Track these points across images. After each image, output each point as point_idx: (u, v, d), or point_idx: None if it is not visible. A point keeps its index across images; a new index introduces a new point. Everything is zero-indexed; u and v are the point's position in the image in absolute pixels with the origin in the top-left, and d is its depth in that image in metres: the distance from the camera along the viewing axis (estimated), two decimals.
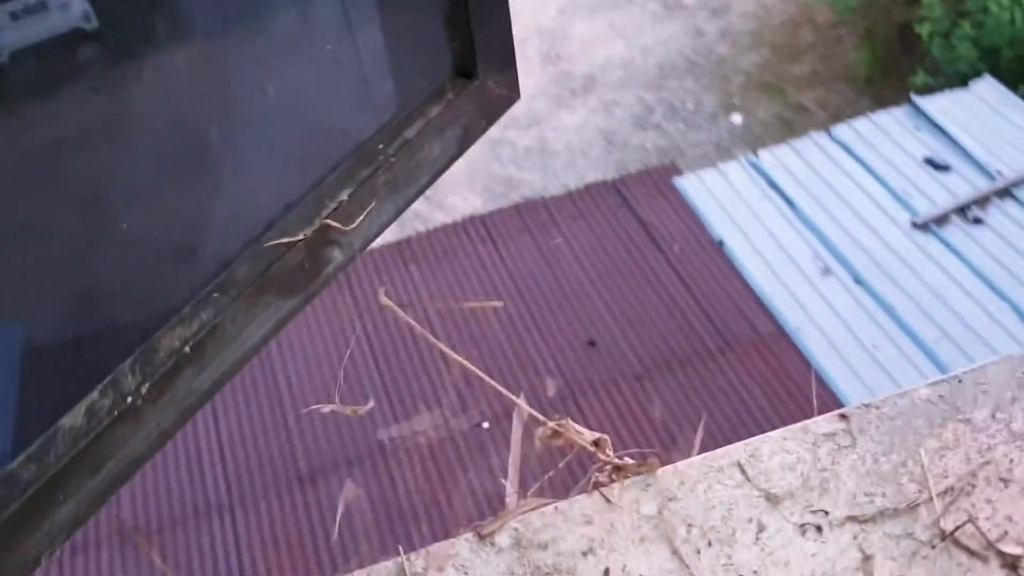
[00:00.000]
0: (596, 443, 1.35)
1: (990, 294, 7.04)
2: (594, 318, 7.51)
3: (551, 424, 1.33)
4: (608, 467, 1.29)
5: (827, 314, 7.20)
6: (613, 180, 7.93)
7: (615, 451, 1.34)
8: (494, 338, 7.14)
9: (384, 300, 1.28)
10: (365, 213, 1.39)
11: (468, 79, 1.52)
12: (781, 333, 7.23)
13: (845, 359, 7.05)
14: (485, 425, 7.19)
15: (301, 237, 1.31)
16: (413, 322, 1.29)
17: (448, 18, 1.45)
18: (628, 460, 1.28)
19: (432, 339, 1.31)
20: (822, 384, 7.02)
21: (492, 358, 7.14)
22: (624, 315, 7.49)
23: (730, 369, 7.19)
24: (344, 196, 1.38)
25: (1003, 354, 1.33)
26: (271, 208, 1.33)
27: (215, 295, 1.25)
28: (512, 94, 1.58)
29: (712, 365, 7.21)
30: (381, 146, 1.43)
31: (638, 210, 7.72)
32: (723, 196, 7.56)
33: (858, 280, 7.26)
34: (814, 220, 7.40)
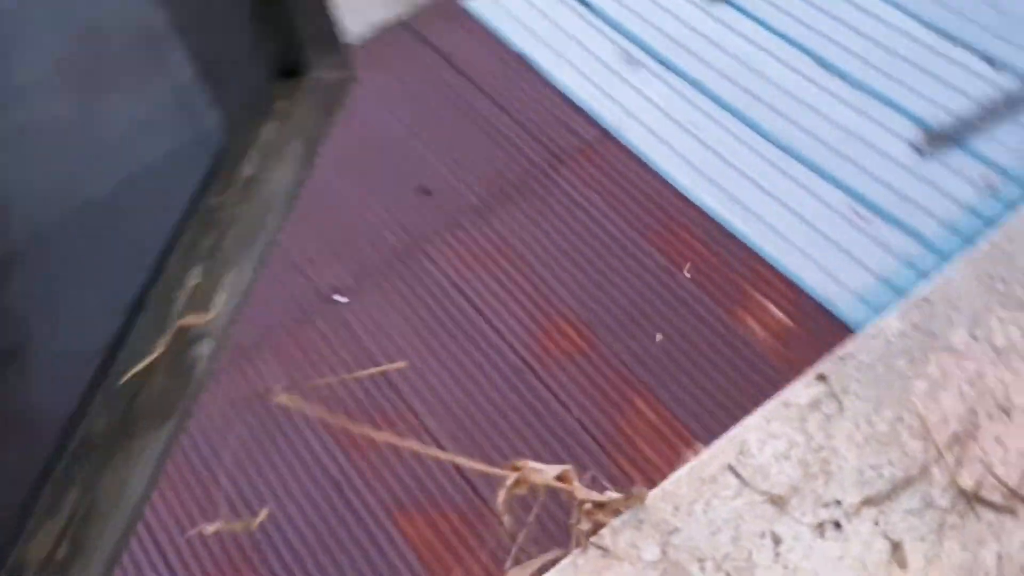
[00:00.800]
0: (560, 477, 1.16)
1: (790, 48, 7.07)
2: (421, 165, 7.22)
3: (511, 472, 1.14)
4: (587, 507, 1.11)
5: (644, 105, 7.11)
6: (403, 19, 7.44)
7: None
8: (327, 214, 6.79)
9: (283, 399, 1.03)
10: (223, 288, 1.10)
11: (296, 77, 1.21)
12: (605, 135, 7.14)
13: (669, 144, 7.05)
14: (341, 299, 6.94)
15: (159, 353, 1.03)
16: (326, 415, 1.05)
17: (258, 15, 1.13)
18: (610, 494, 1.10)
19: (350, 425, 1.08)
20: (648, 172, 7.02)
21: (333, 232, 6.81)
22: (450, 154, 7.23)
23: (566, 183, 7.10)
24: (194, 279, 1.08)
25: (963, 256, 1.20)
26: (109, 323, 1.03)
27: (75, 466, 0.97)
28: (349, 74, 1.27)
29: (548, 183, 7.10)
30: (218, 198, 1.13)
31: (437, 44, 7.31)
32: (517, 10, 7.21)
33: (665, 65, 7.16)
34: (611, 14, 7.17)
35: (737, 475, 1.08)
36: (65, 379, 1.01)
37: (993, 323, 1.15)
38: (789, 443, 1.10)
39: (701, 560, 1.04)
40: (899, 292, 6.14)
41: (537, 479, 1.12)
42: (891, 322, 1.16)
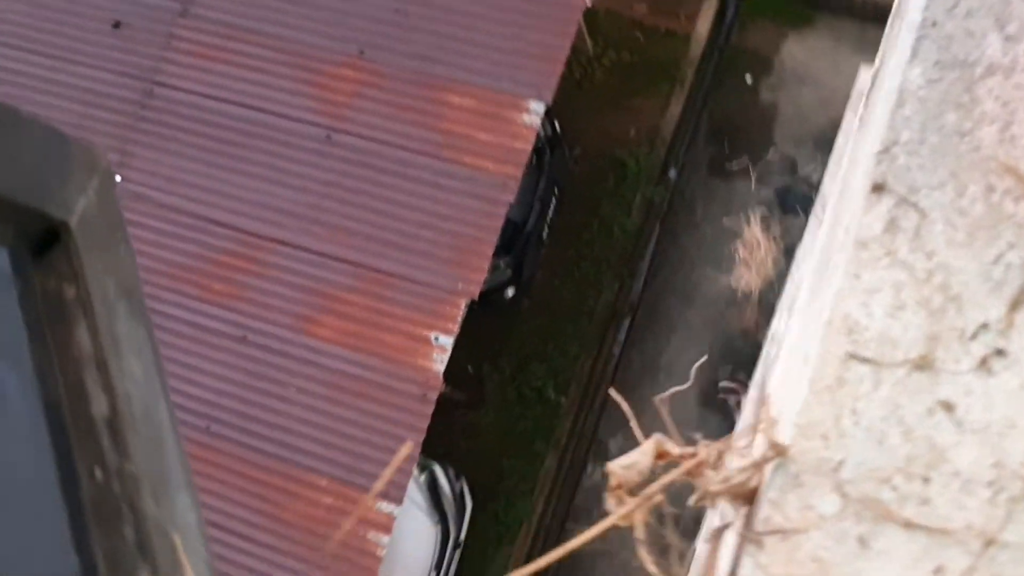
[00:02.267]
0: (660, 455, 0.92)
1: None
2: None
3: (619, 499, 0.89)
4: (718, 488, 0.88)
5: None
6: None
7: None
8: (41, 104, 5.85)
9: None
10: (182, 553, 0.77)
11: (57, 240, 0.80)
12: None
13: None
14: (119, 179, 6.16)
15: None
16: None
17: None
18: (738, 465, 0.87)
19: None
20: None
21: (60, 117, 5.92)
22: None
23: None
24: None
25: None
26: None
27: None
28: (104, 170, 0.86)
29: None
30: (97, 471, 0.76)
31: None
32: None
33: None
34: None
35: (863, 359, 0.86)
36: None
37: (1020, 9, 0.89)
38: (894, 288, 0.87)
39: (887, 480, 0.84)
40: None
41: (650, 489, 0.88)
42: (909, 74, 0.89)
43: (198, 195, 6.08)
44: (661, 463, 0.92)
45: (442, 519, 6.64)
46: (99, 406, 0.74)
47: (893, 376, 0.85)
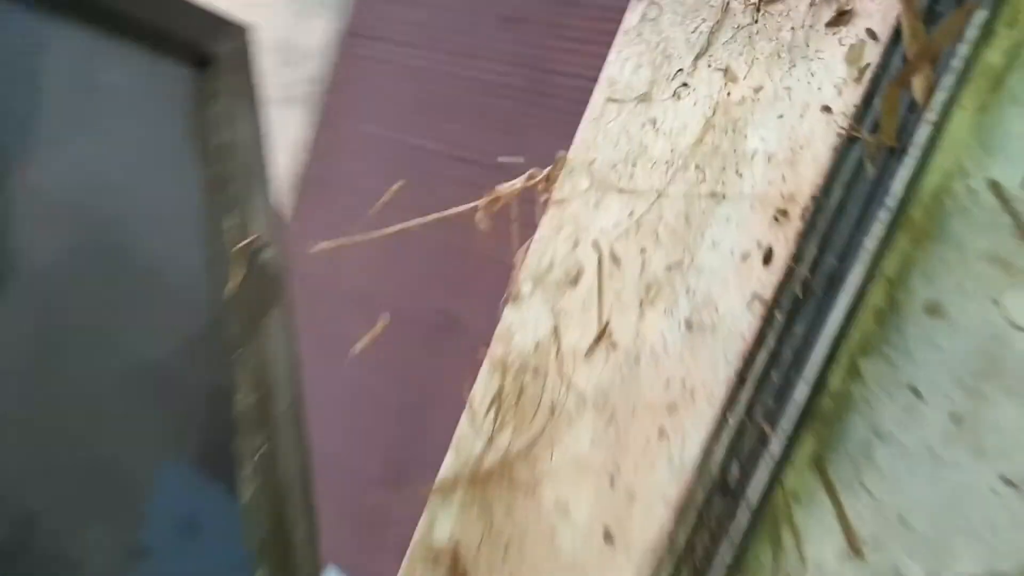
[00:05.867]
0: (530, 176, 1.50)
1: None
2: None
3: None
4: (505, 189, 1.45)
5: None
6: None
7: None
8: None
9: None
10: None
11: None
12: None
13: None
14: None
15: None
16: None
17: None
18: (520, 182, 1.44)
19: None
20: None
21: None
22: None
23: None
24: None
25: None
26: None
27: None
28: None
29: None
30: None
31: None
32: None
33: None
34: None
35: (614, 100, 1.38)
36: None
37: None
38: (637, 55, 1.38)
39: (615, 166, 1.36)
40: None
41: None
42: None
43: None
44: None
45: None
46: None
47: (627, 108, 1.37)
